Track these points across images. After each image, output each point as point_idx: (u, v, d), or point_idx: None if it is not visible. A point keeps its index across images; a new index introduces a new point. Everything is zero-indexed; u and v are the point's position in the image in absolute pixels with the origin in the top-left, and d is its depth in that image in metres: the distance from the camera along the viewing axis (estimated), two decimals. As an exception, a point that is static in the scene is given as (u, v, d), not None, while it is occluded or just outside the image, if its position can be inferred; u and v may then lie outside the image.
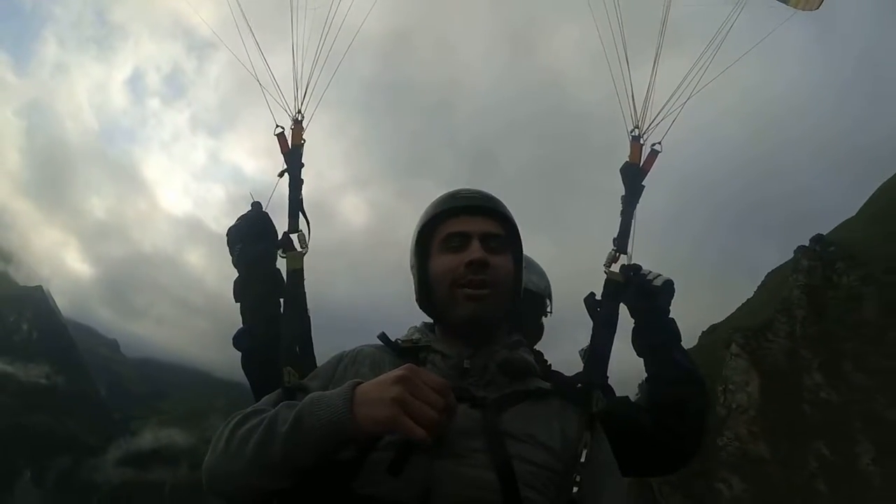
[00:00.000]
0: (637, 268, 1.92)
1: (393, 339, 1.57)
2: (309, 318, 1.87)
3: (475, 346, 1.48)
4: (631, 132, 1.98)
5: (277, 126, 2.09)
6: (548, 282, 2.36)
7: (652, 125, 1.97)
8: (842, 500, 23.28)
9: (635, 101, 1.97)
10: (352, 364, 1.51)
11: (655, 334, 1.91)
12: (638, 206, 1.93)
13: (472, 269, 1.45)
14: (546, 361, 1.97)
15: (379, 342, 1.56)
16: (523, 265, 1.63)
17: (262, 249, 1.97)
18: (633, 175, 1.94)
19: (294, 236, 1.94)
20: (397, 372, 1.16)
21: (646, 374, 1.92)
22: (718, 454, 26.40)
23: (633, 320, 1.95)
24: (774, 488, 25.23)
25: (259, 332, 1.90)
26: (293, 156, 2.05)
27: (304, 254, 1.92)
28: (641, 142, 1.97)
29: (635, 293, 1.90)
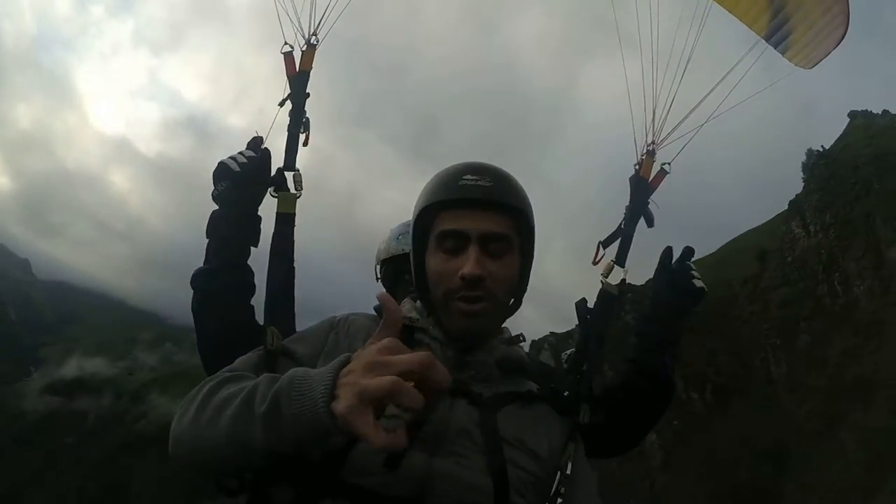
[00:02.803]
0: (691, 252, 1.91)
1: None
2: (293, 269, 1.69)
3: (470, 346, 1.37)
4: (648, 145, 1.94)
5: (286, 44, 1.85)
6: None
7: (665, 142, 1.97)
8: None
9: (655, 115, 1.94)
10: (346, 335, 1.37)
11: (667, 331, 1.90)
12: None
13: (466, 285, 1.28)
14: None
15: (373, 312, 1.45)
16: None
17: (247, 194, 1.78)
18: (641, 189, 1.89)
19: (290, 175, 1.75)
20: (366, 355, 0.92)
21: (630, 353, 1.93)
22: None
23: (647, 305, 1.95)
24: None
25: (220, 275, 1.76)
26: (299, 81, 1.84)
27: (299, 196, 1.72)
28: (654, 158, 1.94)
29: (672, 285, 1.88)
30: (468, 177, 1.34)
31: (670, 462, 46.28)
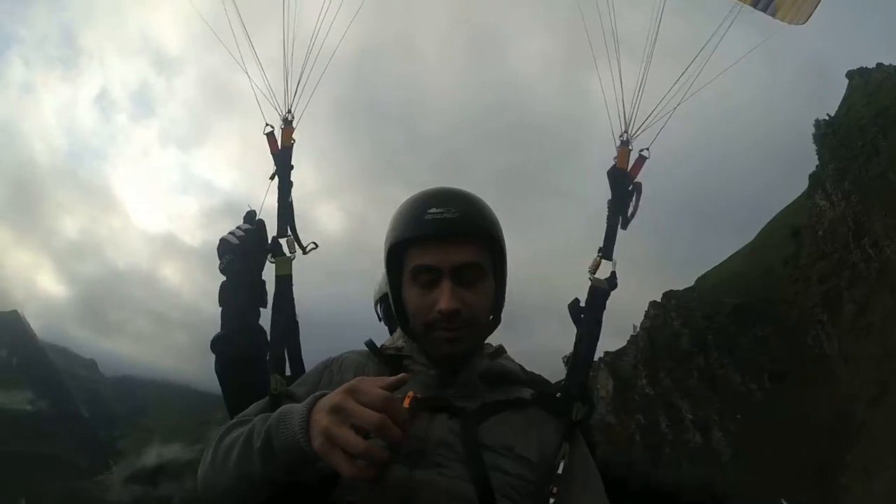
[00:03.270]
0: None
1: (379, 346, 1.54)
2: (297, 323, 1.83)
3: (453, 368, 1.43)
4: (620, 136, 1.90)
5: (267, 125, 1.98)
6: None
7: (640, 129, 1.90)
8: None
9: (625, 104, 1.91)
10: (338, 371, 1.48)
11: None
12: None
13: (444, 318, 1.32)
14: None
15: (365, 349, 1.53)
16: None
17: (249, 262, 1.96)
18: (620, 180, 1.85)
19: (283, 241, 1.86)
20: (333, 397, 1.04)
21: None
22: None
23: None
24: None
25: (235, 339, 1.94)
26: (283, 157, 1.96)
27: (293, 259, 1.84)
28: (630, 147, 1.89)
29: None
30: (433, 210, 1.35)
31: (739, 455, 45.71)
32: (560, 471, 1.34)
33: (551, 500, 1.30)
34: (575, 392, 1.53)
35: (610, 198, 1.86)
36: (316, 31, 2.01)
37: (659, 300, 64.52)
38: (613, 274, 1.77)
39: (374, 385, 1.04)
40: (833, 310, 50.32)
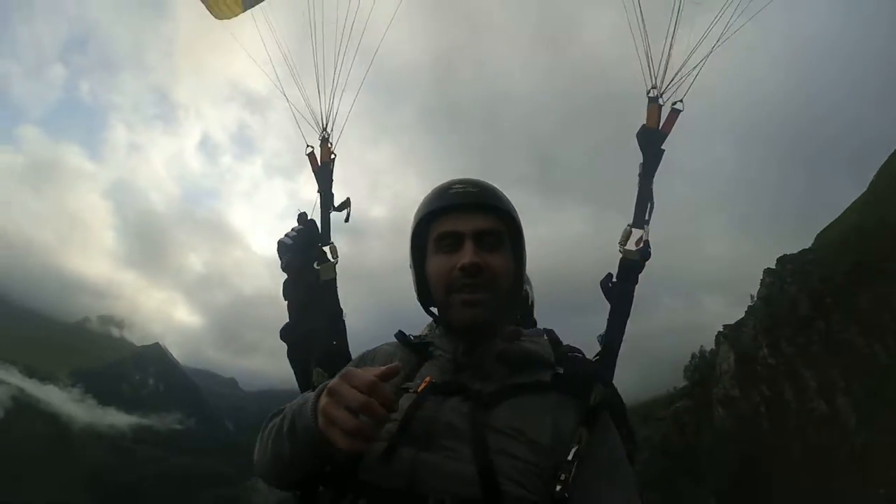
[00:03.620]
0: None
1: (410, 336, 1.61)
2: (343, 322, 2.01)
3: (469, 342, 1.46)
4: (648, 93, 1.81)
5: (308, 146, 2.23)
6: (531, 287, 2.45)
7: (672, 83, 1.79)
8: None
9: (652, 58, 1.80)
10: (370, 362, 1.57)
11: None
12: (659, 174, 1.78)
13: (466, 274, 1.40)
14: (559, 341, 1.68)
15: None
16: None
17: (304, 259, 2.07)
18: (653, 139, 1.77)
19: (326, 248, 2.06)
20: (331, 382, 1.18)
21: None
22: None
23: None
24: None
25: (297, 328, 2.05)
26: (322, 172, 2.19)
27: (335, 264, 2.02)
28: (661, 102, 1.80)
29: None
30: (457, 186, 1.49)
31: (864, 421, 43.23)
32: (570, 457, 1.28)
33: (557, 487, 1.25)
34: (598, 374, 1.49)
35: (641, 161, 1.81)
36: (341, 55, 2.24)
37: (773, 266, 60.46)
38: (646, 243, 1.72)
39: (366, 372, 1.17)
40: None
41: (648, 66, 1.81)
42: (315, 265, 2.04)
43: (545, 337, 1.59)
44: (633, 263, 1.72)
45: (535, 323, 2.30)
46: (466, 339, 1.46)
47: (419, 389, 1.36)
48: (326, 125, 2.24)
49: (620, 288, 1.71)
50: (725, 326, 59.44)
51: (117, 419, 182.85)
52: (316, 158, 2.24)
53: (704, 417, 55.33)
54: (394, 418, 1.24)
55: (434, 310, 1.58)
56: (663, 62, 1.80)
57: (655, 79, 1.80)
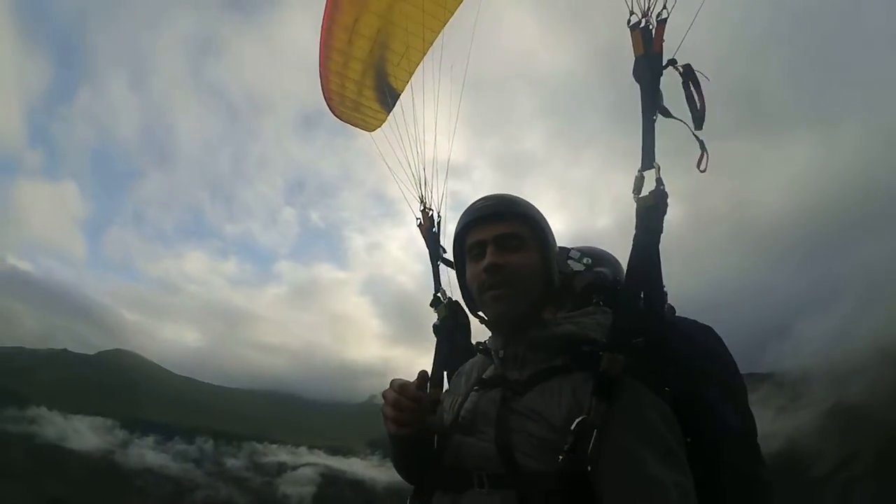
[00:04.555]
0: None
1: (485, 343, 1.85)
2: (456, 349, 2.19)
3: (508, 335, 1.68)
4: (628, 23, 1.67)
5: (417, 219, 2.76)
6: (617, 269, 2.07)
7: (660, 4, 1.62)
8: None
9: None
10: (461, 373, 1.90)
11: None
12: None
13: (489, 274, 1.63)
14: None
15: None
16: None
17: (452, 342, 2.27)
18: (646, 66, 1.63)
19: (439, 294, 2.46)
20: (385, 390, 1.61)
21: None
22: None
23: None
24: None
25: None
26: (427, 237, 2.69)
27: (447, 305, 2.36)
28: (648, 25, 1.64)
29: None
30: (479, 202, 1.73)
31: None
32: (573, 427, 1.38)
33: (560, 458, 1.38)
34: (608, 341, 1.51)
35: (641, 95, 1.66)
36: (434, 149, 2.84)
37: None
38: (659, 180, 1.58)
39: (404, 380, 1.59)
40: None
41: None
42: (432, 307, 2.44)
43: (603, 314, 1.63)
44: (649, 210, 1.57)
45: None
46: (504, 331, 1.69)
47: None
48: (428, 202, 2.78)
49: (644, 239, 1.55)
50: None
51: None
52: (423, 226, 2.74)
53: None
54: (448, 412, 1.71)
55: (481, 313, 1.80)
56: None
57: (635, 3, 1.69)
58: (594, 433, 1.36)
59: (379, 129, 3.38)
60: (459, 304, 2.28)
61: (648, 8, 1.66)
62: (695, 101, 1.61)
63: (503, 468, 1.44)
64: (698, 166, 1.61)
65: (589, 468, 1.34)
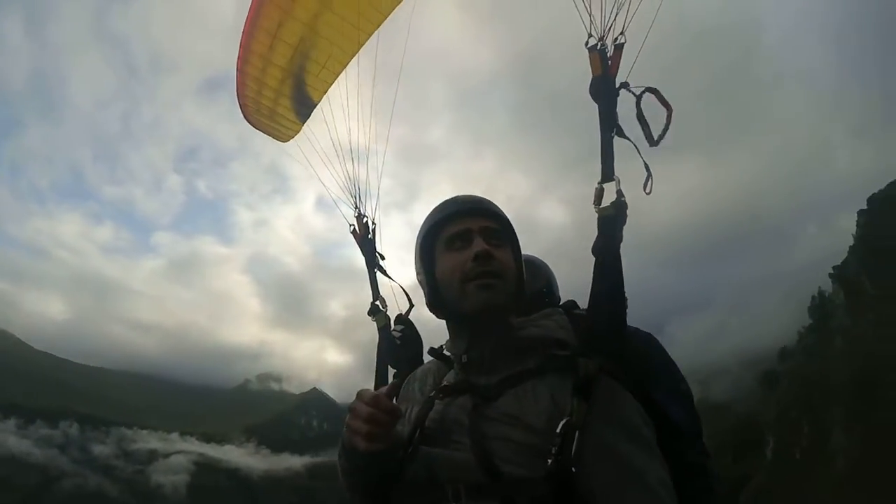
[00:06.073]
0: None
1: (440, 347, 1.80)
2: (398, 349, 2.21)
3: (472, 338, 1.61)
4: (586, 44, 1.76)
5: (350, 225, 2.76)
6: (547, 272, 2.46)
7: (614, 25, 1.73)
8: None
9: (591, 3, 1.76)
10: (410, 381, 1.83)
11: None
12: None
13: (480, 262, 1.54)
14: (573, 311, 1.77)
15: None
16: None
17: (410, 356, 2.19)
18: (602, 86, 1.72)
19: (378, 303, 2.48)
20: (352, 402, 1.50)
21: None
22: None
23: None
24: None
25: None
26: (363, 244, 2.68)
27: (385, 313, 2.43)
28: (603, 48, 1.75)
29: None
30: (461, 196, 1.70)
31: None
32: (559, 429, 1.35)
33: (548, 461, 1.33)
34: (583, 347, 1.52)
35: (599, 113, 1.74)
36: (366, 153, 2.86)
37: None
38: (620, 192, 1.63)
39: (373, 391, 1.47)
40: None
41: (587, 9, 1.78)
42: (370, 316, 2.48)
43: (559, 315, 1.65)
44: (610, 219, 1.63)
45: (558, 301, 2.27)
46: (478, 327, 1.59)
47: (432, 395, 1.63)
48: (362, 207, 2.79)
49: (604, 246, 1.62)
50: (834, 267, 65.48)
51: (292, 462, 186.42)
52: (357, 232, 2.72)
53: (828, 347, 59.00)
54: (411, 424, 1.58)
55: (445, 312, 1.69)
56: (609, 11, 1.76)
57: (597, 25, 1.77)
58: (576, 434, 1.34)
59: (307, 136, 3.15)
60: (411, 321, 2.27)
61: (604, 33, 1.74)
62: (646, 122, 1.67)
63: (484, 477, 1.36)
64: (644, 189, 1.66)
65: (573, 469, 1.31)
